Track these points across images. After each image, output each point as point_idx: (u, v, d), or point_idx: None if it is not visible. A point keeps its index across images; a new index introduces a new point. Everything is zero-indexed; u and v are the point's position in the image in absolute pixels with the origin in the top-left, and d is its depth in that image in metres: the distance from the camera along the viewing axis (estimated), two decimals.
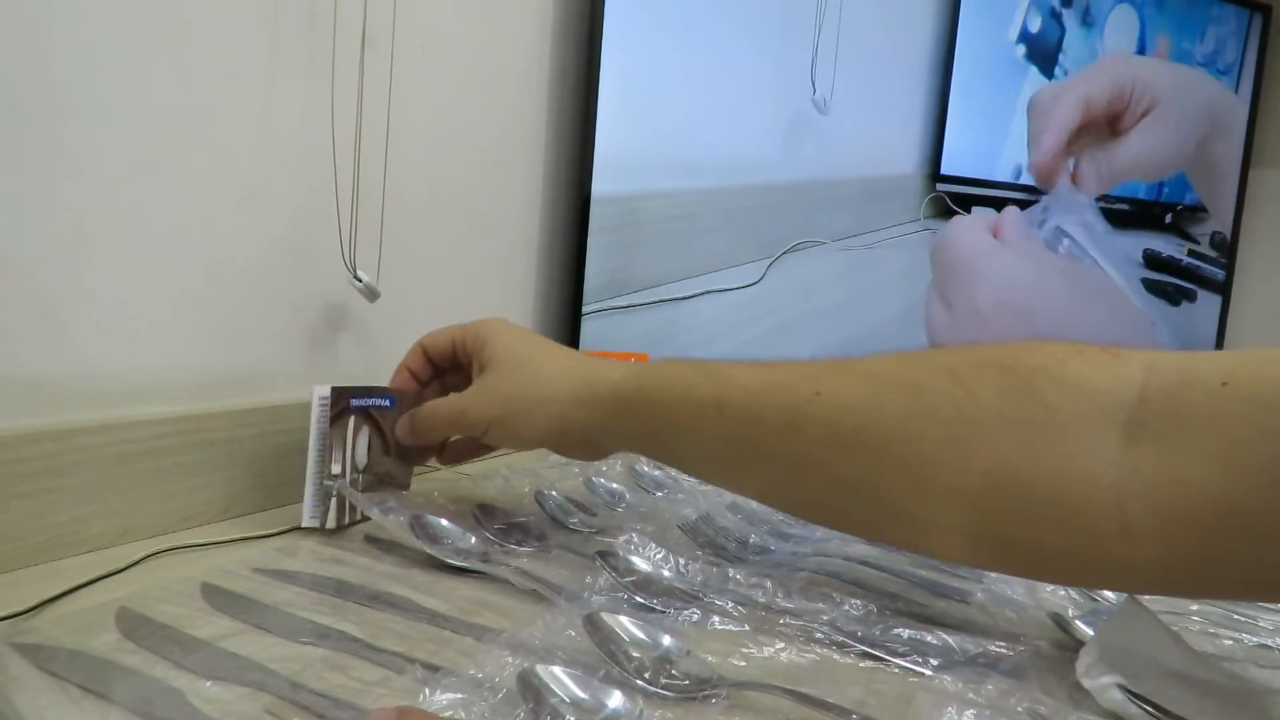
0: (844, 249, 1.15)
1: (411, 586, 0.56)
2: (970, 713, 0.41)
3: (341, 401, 0.65)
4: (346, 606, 0.53)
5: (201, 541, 0.61)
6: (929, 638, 0.50)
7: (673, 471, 0.90)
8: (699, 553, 0.63)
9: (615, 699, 0.39)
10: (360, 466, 0.68)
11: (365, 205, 0.77)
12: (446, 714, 0.38)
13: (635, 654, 0.45)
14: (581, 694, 0.39)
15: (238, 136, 0.67)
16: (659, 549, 0.60)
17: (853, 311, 1.18)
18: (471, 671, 0.42)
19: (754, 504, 0.79)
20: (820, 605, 0.54)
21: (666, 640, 0.46)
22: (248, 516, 0.68)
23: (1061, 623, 0.54)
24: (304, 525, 0.65)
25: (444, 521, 0.64)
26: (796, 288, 1.13)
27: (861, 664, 0.48)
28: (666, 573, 0.57)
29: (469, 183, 0.93)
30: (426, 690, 0.41)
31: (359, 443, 0.68)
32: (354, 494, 0.66)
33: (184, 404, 0.65)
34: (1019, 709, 0.42)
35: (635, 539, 0.61)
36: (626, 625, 0.46)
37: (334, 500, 0.65)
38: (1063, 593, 0.62)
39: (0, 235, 0.53)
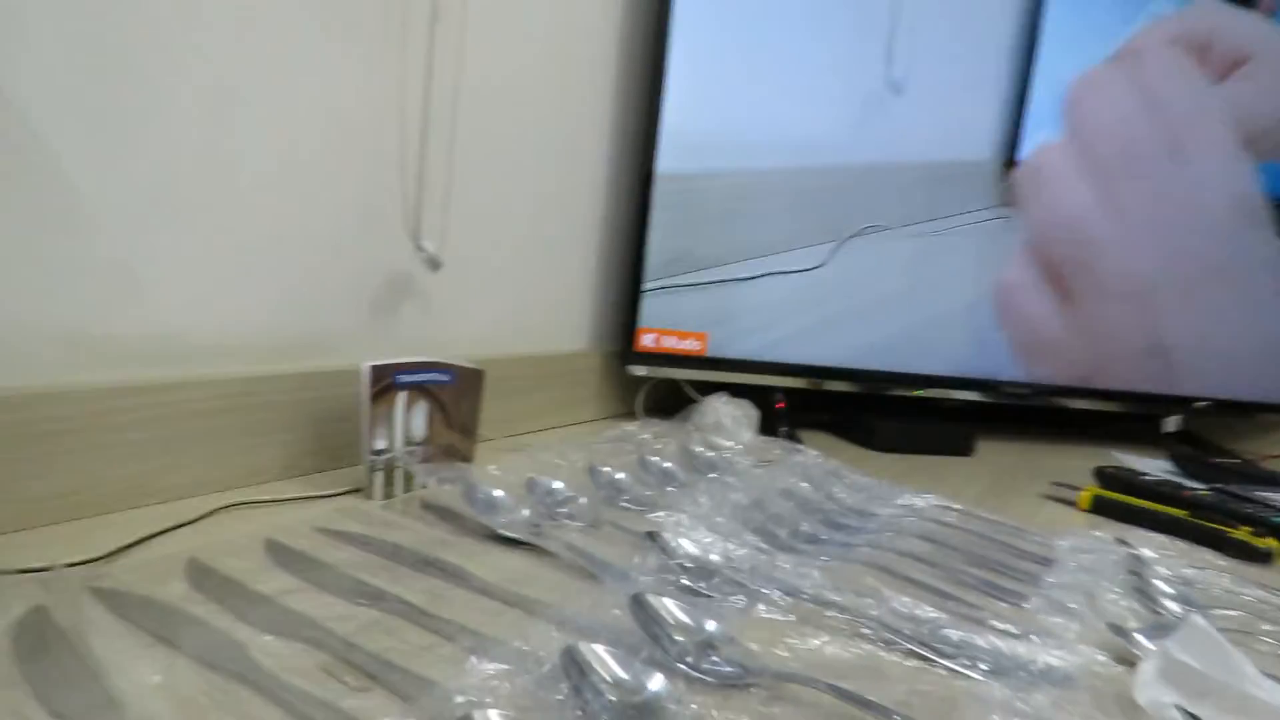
0: (912, 235, 1.12)
1: (463, 554, 0.57)
2: None
3: (386, 378, 0.66)
4: (401, 570, 0.54)
5: (267, 498, 0.63)
6: (980, 640, 0.50)
7: (726, 454, 0.90)
8: (749, 538, 0.63)
9: (656, 681, 0.40)
10: (418, 439, 0.70)
11: (431, 176, 0.78)
12: (492, 683, 0.39)
13: (679, 637, 0.45)
14: (623, 674, 0.40)
15: (308, 106, 0.69)
16: (708, 533, 0.60)
17: (918, 300, 1.15)
18: (518, 644, 0.43)
19: (807, 490, 0.78)
20: (869, 600, 0.53)
21: (711, 625, 0.46)
22: (312, 476, 0.70)
23: (1122, 634, 0.52)
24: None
25: (498, 492, 0.65)
26: (861, 273, 1.11)
27: (907, 662, 0.47)
28: (714, 557, 0.57)
29: (534, 156, 0.93)
30: (474, 658, 0.42)
31: (415, 416, 0.69)
32: (410, 464, 0.68)
33: (253, 365, 0.67)
34: None
35: (685, 521, 0.61)
36: (671, 608, 0.47)
37: (379, 474, 0.66)
38: (1125, 603, 0.60)
39: (83, 199, 0.55)
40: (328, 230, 0.72)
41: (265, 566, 0.52)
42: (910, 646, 0.48)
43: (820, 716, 0.41)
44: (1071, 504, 0.92)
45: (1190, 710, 0.42)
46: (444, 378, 0.71)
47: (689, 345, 1.07)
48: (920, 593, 0.57)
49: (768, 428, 1.06)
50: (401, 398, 0.68)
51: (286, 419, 0.68)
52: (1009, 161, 1.17)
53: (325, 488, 0.67)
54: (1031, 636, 0.52)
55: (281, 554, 0.54)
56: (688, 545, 0.57)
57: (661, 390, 1.12)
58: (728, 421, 0.97)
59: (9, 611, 0.42)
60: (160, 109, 0.58)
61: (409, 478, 0.69)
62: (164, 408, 0.59)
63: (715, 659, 0.44)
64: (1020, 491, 0.97)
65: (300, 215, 0.70)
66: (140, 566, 0.50)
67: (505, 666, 0.41)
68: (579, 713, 0.38)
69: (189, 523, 0.57)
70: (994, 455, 1.16)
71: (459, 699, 0.37)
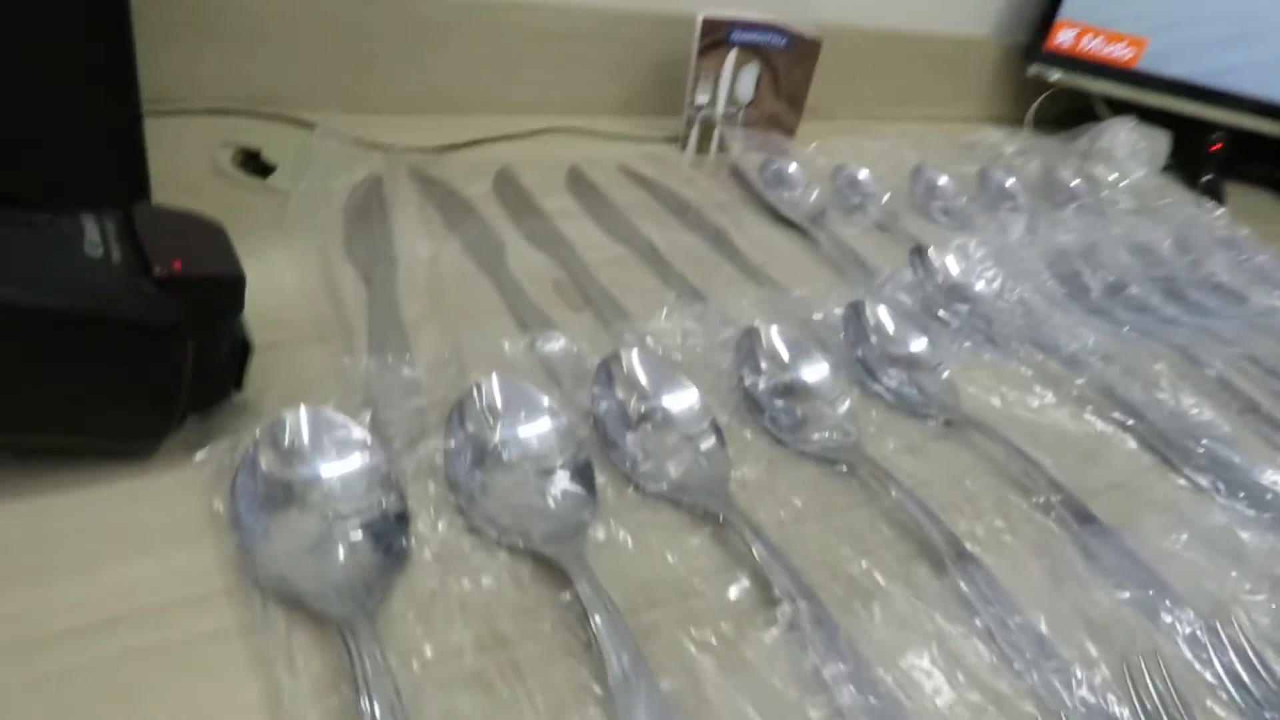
0: None
1: (735, 221, 0.58)
2: (1195, 553, 0.34)
3: (718, 32, 0.64)
4: (670, 221, 0.57)
5: (591, 129, 0.69)
6: (1255, 472, 0.41)
7: (1103, 189, 0.76)
8: (1048, 283, 0.56)
9: (819, 372, 0.40)
10: (742, 101, 0.69)
11: None
12: (667, 335, 0.42)
13: (879, 346, 0.43)
14: (790, 357, 0.40)
15: None
16: (993, 264, 0.54)
17: None
18: (717, 309, 0.45)
19: (1168, 250, 0.65)
20: (1137, 384, 0.46)
21: (921, 345, 0.44)
22: (641, 118, 0.73)
23: None
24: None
25: (793, 170, 0.63)
26: None
27: (1141, 458, 0.41)
28: (979, 288, 0.51)
29: None
30: (671, 301, 0.45)
31: (743, 77, 0.67)
32: (727, 125, 0.68)
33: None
34: None
35: (972, 247, 0.55)
36: (888, 317, 0.45)
37: (695, 129, 0.67)
38: None
39: None
40: None
41: (558, 189, 0.59)
42: (1153, 444, 0.42)
43: (984, 471, 0.38)
44: None
45: None
46: (780, 41, 0.68)
47: (1117, 51, 0.88)
48: (1223, 397, 0.47)
49: (1183, 170, 0.87)
50: (732, 55, 0.67)
51: (629, 57, 0.71)
52: None
53: (646, 131, 0.71)
54: None
55: (577, 181, 0.60)
56: (952, 267, 0.52)
57: (1063, 102, 0.95)
58: (1122, 152, 0.81)
59: (353, 175, 0.53)
60: None
61: (723, 138, 0.69)
62: (517, 28, 0.64)
63: (907, 378, 0.42)
64: None
65: None
66: (461, 163, 0.59)
67: (693, 323, 0.43)
68: (736, 381, 0.39)
69: (516, 136, 0.64)
70: None
71: (628, 336, 0.41)
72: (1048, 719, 0.26)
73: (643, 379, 0.36)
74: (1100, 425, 0.43)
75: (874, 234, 0.60)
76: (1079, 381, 0.45)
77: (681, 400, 0.36)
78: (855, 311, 0.45)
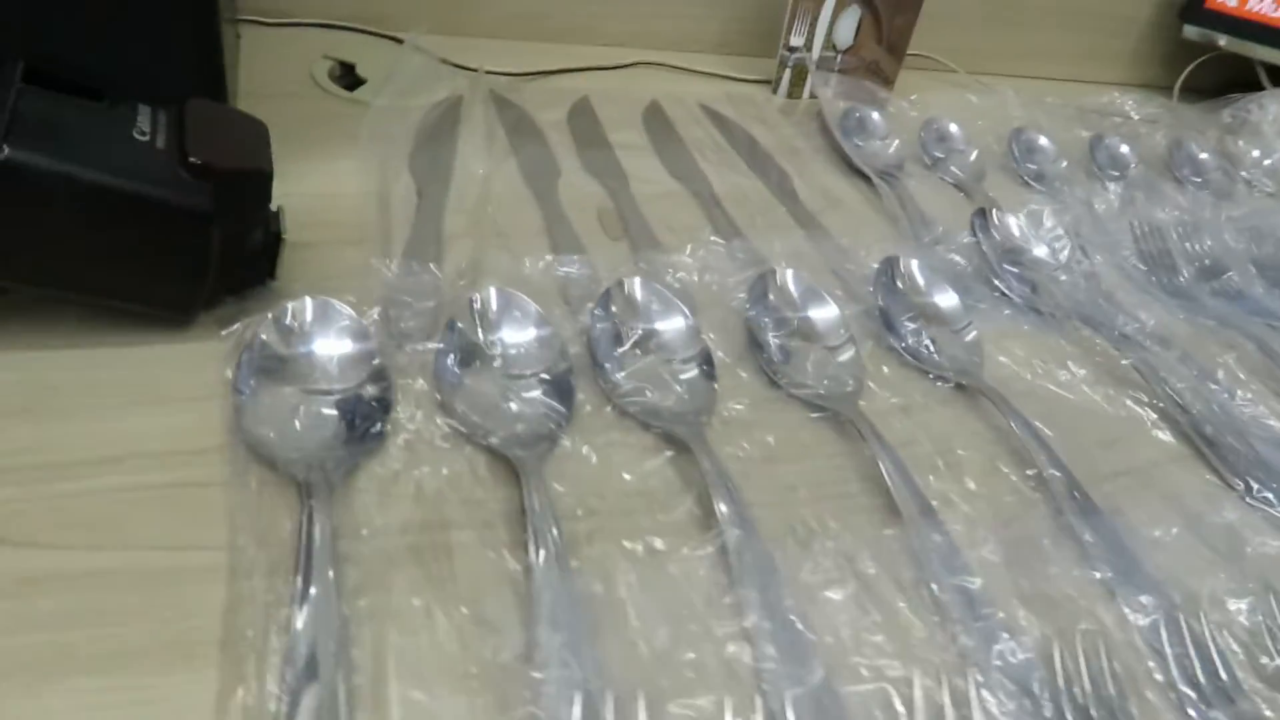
0: None
1: (800, 165, 0.58)
2: (1185, 547, 0.32)
3: None
4: (735, 162, 0.57)
5: (684, 67, 0.69)
6: None
7: (1242, 167, 0.70)
8: (1127, 259, 0.52)
9: (826, 319, 0.39)
10: (841, 46, 0.67)
11: None
12: (683, 270, 0.43)
13: (904, 300, 0.42)
14: (801, 302, 0.40)
15: None
16: (1069, 234, 0.51)
17: None
18: (747, 249, 0.45)
19: None
20: (1191, 373, 0.43)
21: (950, 304, 0.42)
22: (739, 58, 0.73)
23: None
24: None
25: (876, 117, 0.62)
26: None
27: (1172, 452, 0.38)
28: (1038, 253, 0.49)
29: None
30: (703, 239, 0.45)
31: (843, 20, 0.65)
32: (812, 68, 0.66)
33: None
34: None
35: (1046, 214, 0.52)
36: (920, 273, 0.43)
37: (788, 71, 0.66)
38: None
39: None
40: None
41: (633, 122, 0.59)
42: (1188, 433, 0.39)
43: (984, 439, 0.37)
44: None
45: None
46: None
47: None
48: None
49: None
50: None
51: None
52: None
53: (740, 72, 0.70)
54: None
55: (654, 117, 0.61)
56: (1015, 231, 0.49)
57: (1221, 70, 0.86)
58: (1272, 127, 0.73)
59: (436, 93, 0.56)
60: None
61: (815, 84, 0.68)
62: None
63: (928, 335, 0.41)
64: None
65: None
66: (544, 90, 0.60)
67: (715, 262, 0.44)
68: (750, 316, 0.39)
69: (606, 68, 0.66)
70: None
71: (644, 265, 0.42)
72: (951, 673, 0.26)
73: (640, 306, 0.37)
74: (1134, 409, 0.40)
75: (949, 192, 0.58)
76: (1124, 362, 0.43)
77: (673, 329, 0.37)
78: (889, 265, 0.44)
